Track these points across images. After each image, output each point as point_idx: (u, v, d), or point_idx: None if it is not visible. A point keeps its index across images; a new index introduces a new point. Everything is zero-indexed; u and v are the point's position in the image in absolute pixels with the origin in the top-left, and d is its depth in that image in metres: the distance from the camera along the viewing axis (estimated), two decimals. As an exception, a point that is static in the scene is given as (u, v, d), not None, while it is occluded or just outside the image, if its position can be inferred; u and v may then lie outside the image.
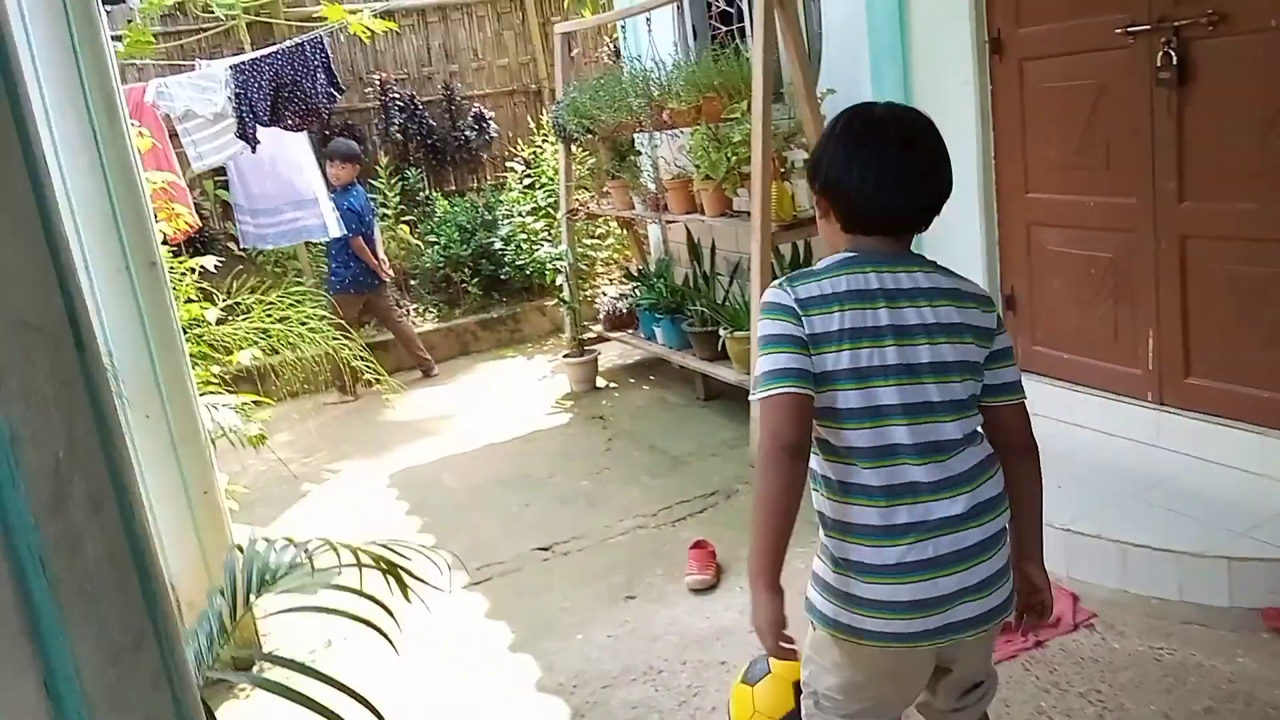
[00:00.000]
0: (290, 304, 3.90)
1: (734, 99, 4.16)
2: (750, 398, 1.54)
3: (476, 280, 7.17)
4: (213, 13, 6.67)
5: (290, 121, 5.45)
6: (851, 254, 1.59)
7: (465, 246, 7.13)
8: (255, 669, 2.74)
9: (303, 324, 3.85)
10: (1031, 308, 3.77)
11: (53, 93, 2.51)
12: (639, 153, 5.40)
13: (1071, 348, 3.65)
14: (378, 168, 7.20)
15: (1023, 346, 3.83)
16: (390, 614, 1.52)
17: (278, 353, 3.98)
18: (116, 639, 0.73)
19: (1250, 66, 2.88)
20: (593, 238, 7.13)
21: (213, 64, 5.61)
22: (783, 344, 1.51)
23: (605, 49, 7.67)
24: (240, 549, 1.57)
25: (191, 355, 3.20)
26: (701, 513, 3.83)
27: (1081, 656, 2.58)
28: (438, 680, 2.91)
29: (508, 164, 7.62)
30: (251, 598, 1.45)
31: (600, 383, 5.77)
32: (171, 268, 3.45)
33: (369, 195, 6.53)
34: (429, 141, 7.55)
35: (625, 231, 6.65)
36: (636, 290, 5.70)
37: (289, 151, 5.88)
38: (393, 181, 7.24)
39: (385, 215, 7.14)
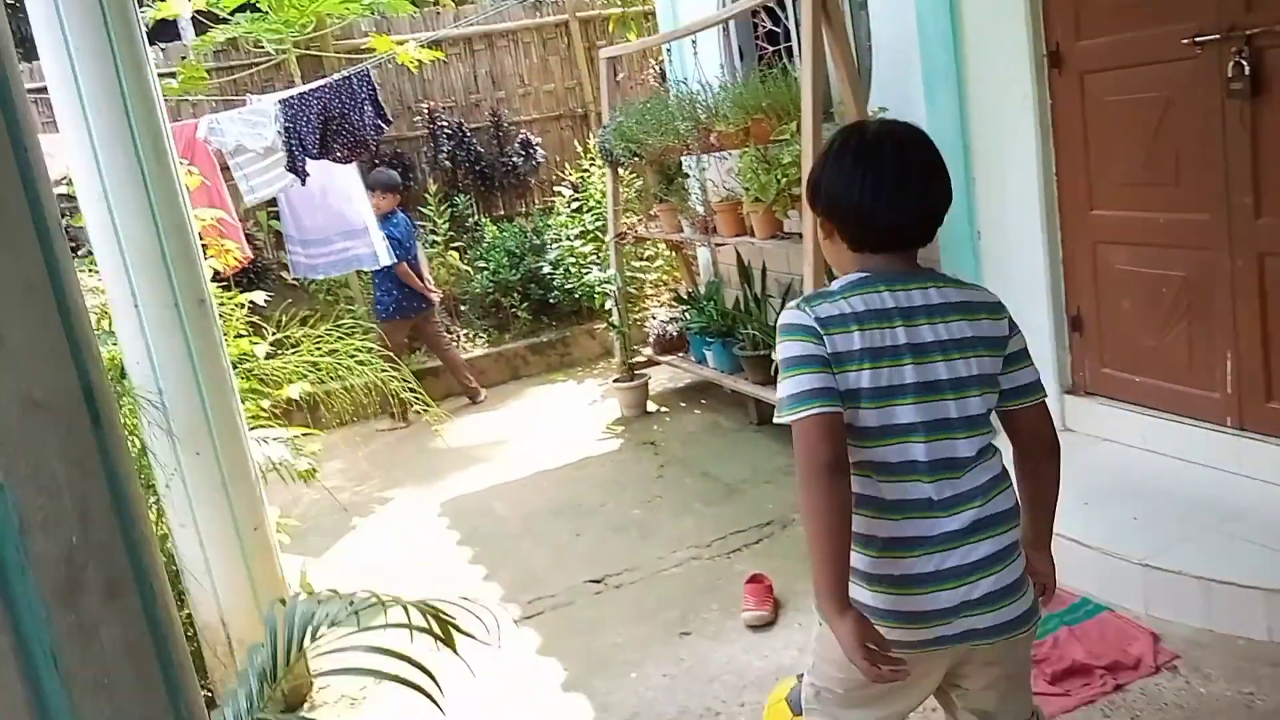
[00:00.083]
0: (339, 336, 3.90)
1: (783, 120, 4.08)
2: (776, 419, 1.56)
3: (526, 305, 7.17)
4: (263, 47, 6.79)
5: (339, 154, 5.51)
6: (864, 274, 1.61)
7: (514, 271, 7.14)
8: None
9: (351, 355, 3.84)
10: (1099, 329, 3.62)
11: (101, 135, 2.53)
12: (686, 175, 5.34)
13: (1143, 371, 3.49)
14: (427, 195, 7.25)
15: (1090, 369, 3.69)
16: (434, 679, 1.46)
17: (325, 384, 3.98)
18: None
19: (1331, 74, 2.74)
20: (641, 260, 7.08)
21: (263, 99, 5.69)
22: (808, 365, 1.53)
23: (651, 72, 7.64)
24: (283, 602, 1.53)
25: (241, 390, 3.19)
26: (757, 543, 3.73)
27: (1165, 701, 2.44)
28: (489, 721, 2.85)
29: (555, 188, 7.62)
30: (292, 654, 1.40)
31: (651, 407, 5.71)
32: (221, 303, 3.46)
33: (416, 222, 6.57)
34: (477, 168, 7.59)
35: (674, 254, 6.59)
36: (686, 313, 5.63)
37: (338, 182, 5.93)
38: (442, 208, 7.28)
39: (435, 242, 7.18)
